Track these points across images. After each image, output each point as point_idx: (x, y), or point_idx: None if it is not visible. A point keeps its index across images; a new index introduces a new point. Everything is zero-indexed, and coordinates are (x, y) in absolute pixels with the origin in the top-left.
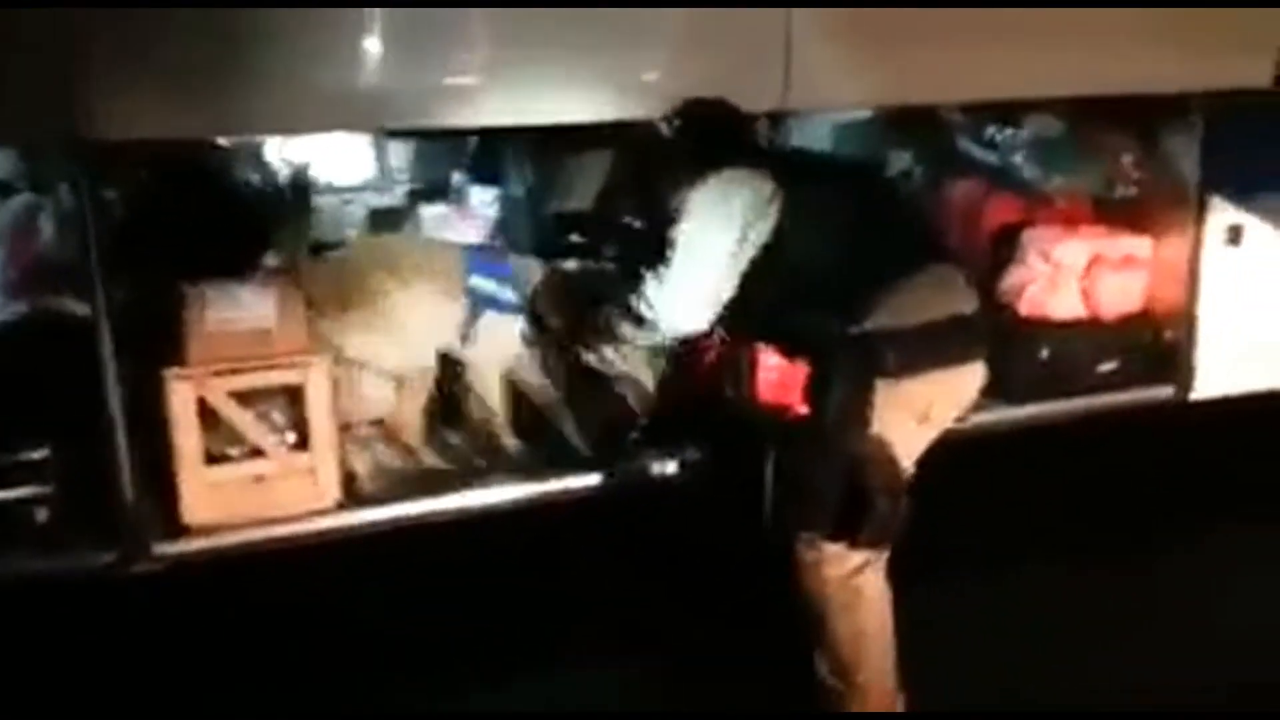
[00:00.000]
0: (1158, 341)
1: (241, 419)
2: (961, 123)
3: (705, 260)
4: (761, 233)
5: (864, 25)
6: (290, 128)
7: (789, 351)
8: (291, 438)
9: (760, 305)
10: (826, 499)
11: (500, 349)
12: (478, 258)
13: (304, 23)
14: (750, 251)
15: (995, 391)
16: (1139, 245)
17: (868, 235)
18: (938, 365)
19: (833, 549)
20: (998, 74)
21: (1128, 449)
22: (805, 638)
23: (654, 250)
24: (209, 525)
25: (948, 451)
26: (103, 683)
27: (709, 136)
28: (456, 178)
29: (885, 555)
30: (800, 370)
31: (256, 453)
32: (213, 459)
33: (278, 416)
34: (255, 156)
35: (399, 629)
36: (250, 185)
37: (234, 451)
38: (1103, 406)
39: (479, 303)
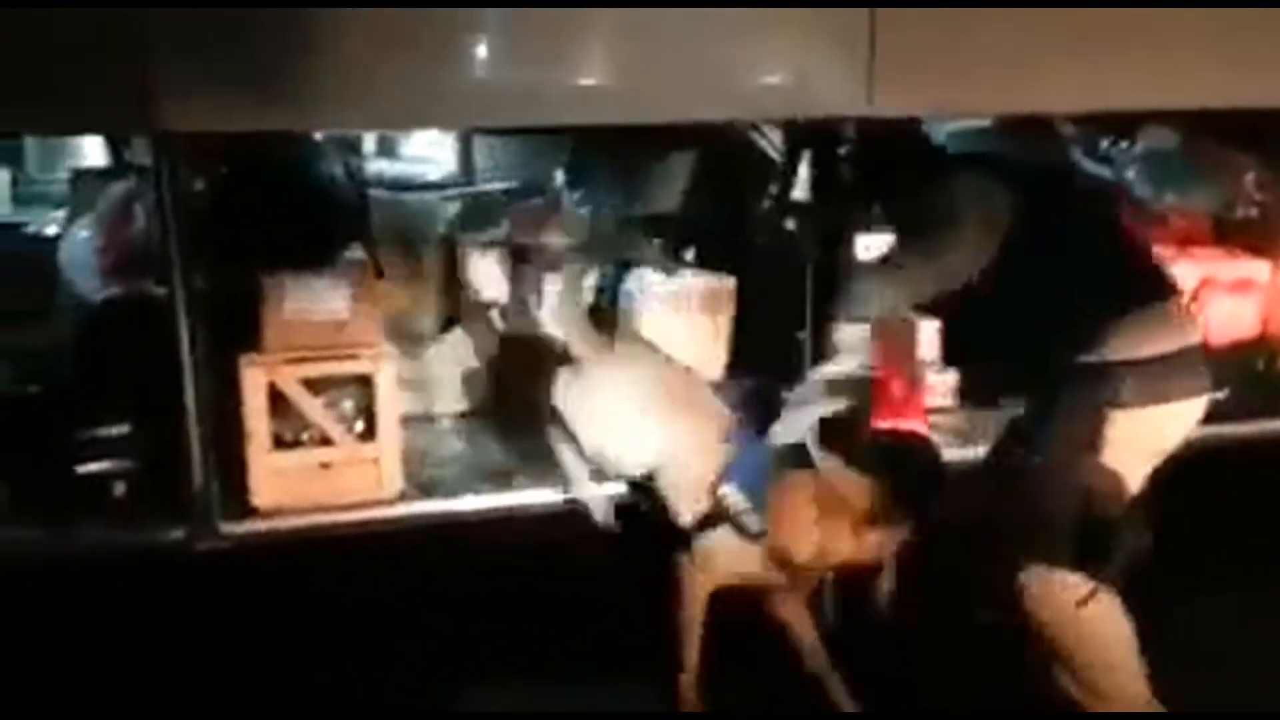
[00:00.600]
0: (1271, 370)
1: (311, 406)
2: (1074, 135)
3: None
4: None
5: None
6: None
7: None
8: (359, 427)
9: (987, 332)
10: (1061, 530)
11: None
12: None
13: (393, 18)
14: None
15: None
16: (1257, 269)
17: (1099, 261)
18: (1170, 399)
19: (1064, 579)
20: (1105, 83)
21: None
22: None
23: None
24: (275, 508)
25: None
26: (158, 655)
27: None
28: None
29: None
30: None
31: (324, 440)
32: (281, 444)
33: (347, 406)
34: (340, 149)
35: (452, 622)
36: (333, 179)
37: (303, 438)
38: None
39: None
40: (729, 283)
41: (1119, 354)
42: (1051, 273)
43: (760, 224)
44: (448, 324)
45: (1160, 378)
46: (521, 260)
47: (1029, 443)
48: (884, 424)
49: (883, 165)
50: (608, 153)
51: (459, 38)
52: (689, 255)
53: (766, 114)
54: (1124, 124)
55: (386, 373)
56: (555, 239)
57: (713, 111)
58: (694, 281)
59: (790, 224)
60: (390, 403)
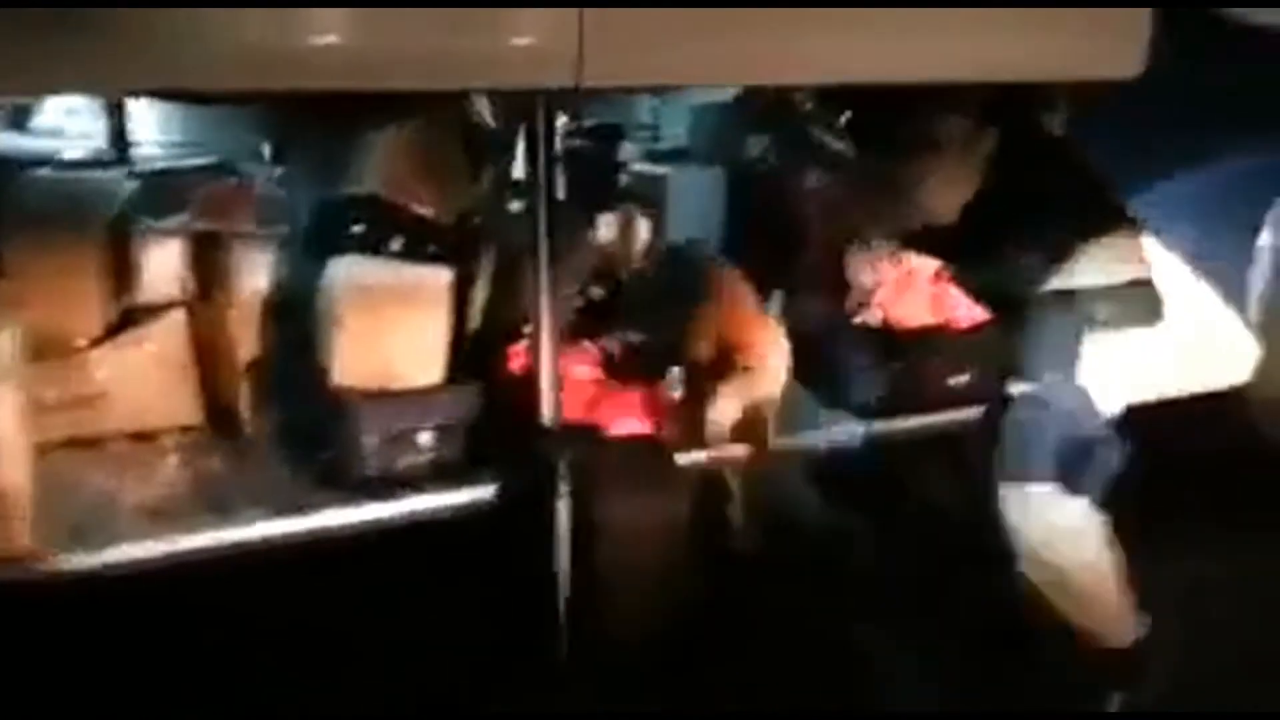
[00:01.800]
0: None
1: None
2: (814, 110)
3: None
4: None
5: None
6: None
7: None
8: None
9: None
10: (1043, 447)
11: None
12: None
13: None
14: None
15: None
16: None
17: (1068, 191)
18: (1139, 322)
19: (1044, 490)
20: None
21: None
22: None
23: None
24: None
25: None
26: None
27: None
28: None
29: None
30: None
31: None
32: None
33: None
34: None
35: None
36: None
37: None
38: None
39: None
40: (444, 275)
41: (1091, 279)
42: (1027, 204)
43: (481, 205)
44: (117, 327)
45: (1129, 301)
46: (209, 249)
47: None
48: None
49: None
50: (310, 126)
51: None
52: (395, 244)
53: (471, 84)
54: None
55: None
56: (249, 225)
57: (412, 80)
58: (401, 273)
59: (516, 205)
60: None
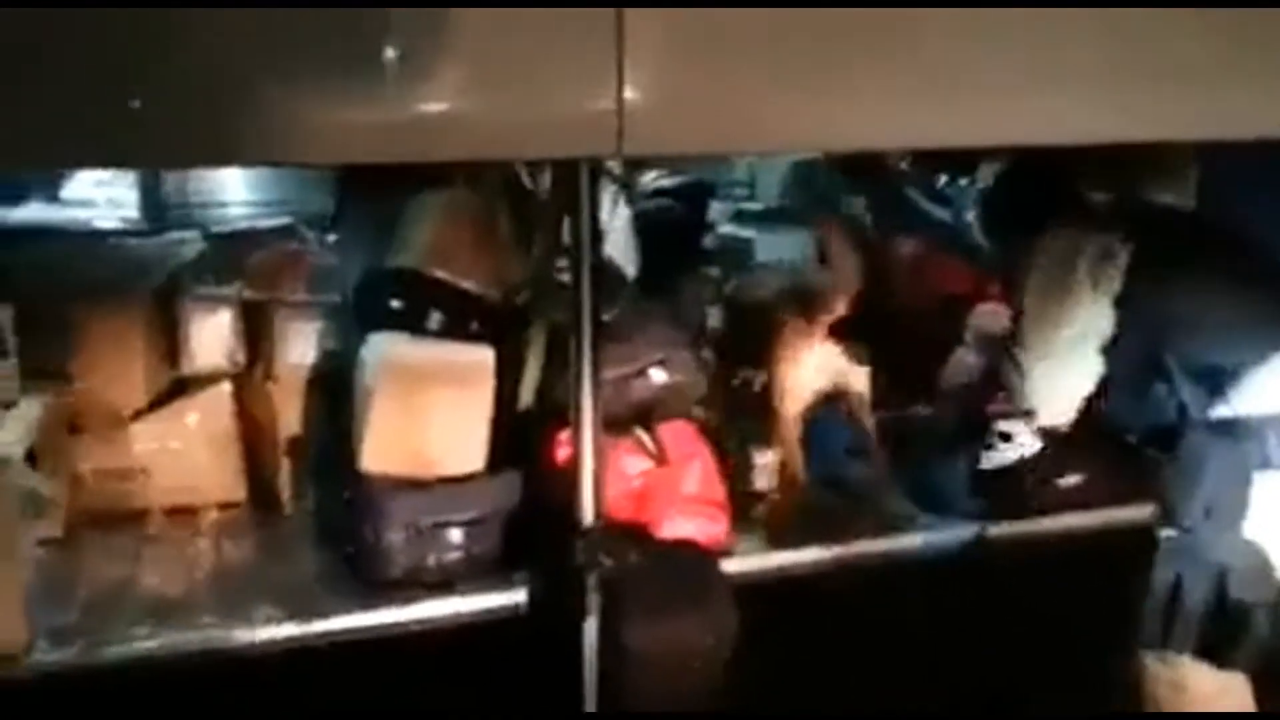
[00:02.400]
0: None
1: None
2: (908, 169)
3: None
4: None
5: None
6: None
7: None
8: None
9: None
10: (1193, 613)
11: None
12: None
13: None
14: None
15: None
16: None
17: (1233, 299)
18: None
19: (1196, 669)
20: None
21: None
22: None
23: None
24: None
25: None
26: None
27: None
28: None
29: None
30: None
31: None
32: None
33: None
34: None
35: None
36: None
37: None
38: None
39: None
40: (485, 354)
41: (1264, 406)
42: (1175, 316)
43: (530, 279)
44: (162, 399)
45: None
46: (257, 318)
47: (1159, 513)
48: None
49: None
50: (361, 191)
51: None
52: (434, 320)
53: (513, 155)
54: (962, 160)
55: None
56: (300, 294)
57: (440, 153)
58: (442, 351)
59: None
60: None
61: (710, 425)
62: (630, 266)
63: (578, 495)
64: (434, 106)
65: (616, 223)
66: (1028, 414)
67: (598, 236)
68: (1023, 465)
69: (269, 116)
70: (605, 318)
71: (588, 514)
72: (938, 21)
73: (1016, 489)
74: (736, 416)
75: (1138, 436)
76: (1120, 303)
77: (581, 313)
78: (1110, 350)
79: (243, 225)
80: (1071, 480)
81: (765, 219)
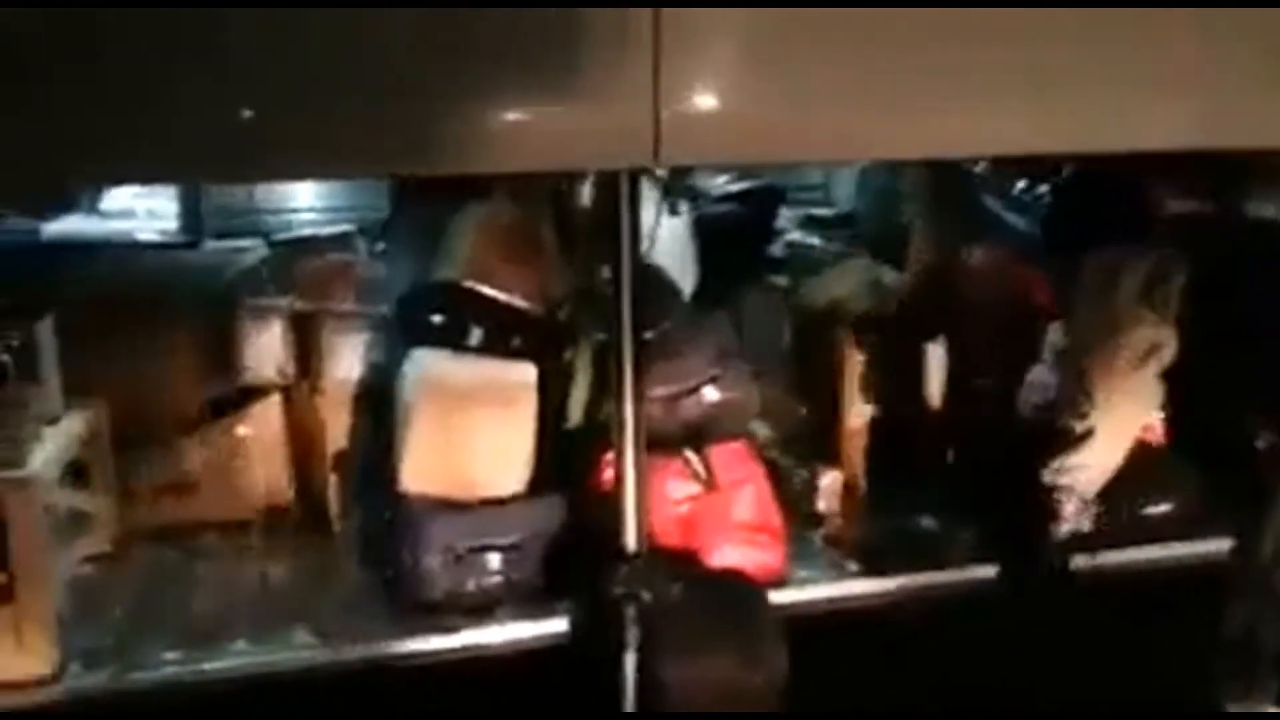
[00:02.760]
0: None
1: None
2: (984, 175)
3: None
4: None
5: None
6: None
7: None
8: None
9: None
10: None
11: None
12: None
13: None
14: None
15: None
16: None
17: None
18: None
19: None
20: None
21: None
22: None
23: None
24: None
25: None
26: None
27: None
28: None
29: None
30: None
31: None
32: None
33: None
34: None
35: None
36: None
37: None
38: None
39: None
40: (528, 371)
41: None
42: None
43: (576, 293)
44: (213, 411)
45: None
46: (307, 329)
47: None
48: None
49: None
50: (410, 202)
51: None
52: (474, 336)
53: (548, 166)
54: (1041, 166)
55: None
56: (348, 305)
57: (475, 165)
58: (483, 368)
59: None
60: (28, 538)
61: (768, 442)
62: (687, 277)
63: (621, 521)
64: (470, 119)
65: (670, 231)
66: (1086, 436)
67: (640, 247)
68: (1093, 496)
69: (321, 125)
70: (649, 334)
71: (630, 541)
72: (973, 26)
73: (1091, 518)
74: (798, 433)
75: (1211, 464)
76: (1191, 322)
77: (623, 328)
78: (1180, 372)
79: (304, 232)
80: (1155, 510)
81: (836, 225)
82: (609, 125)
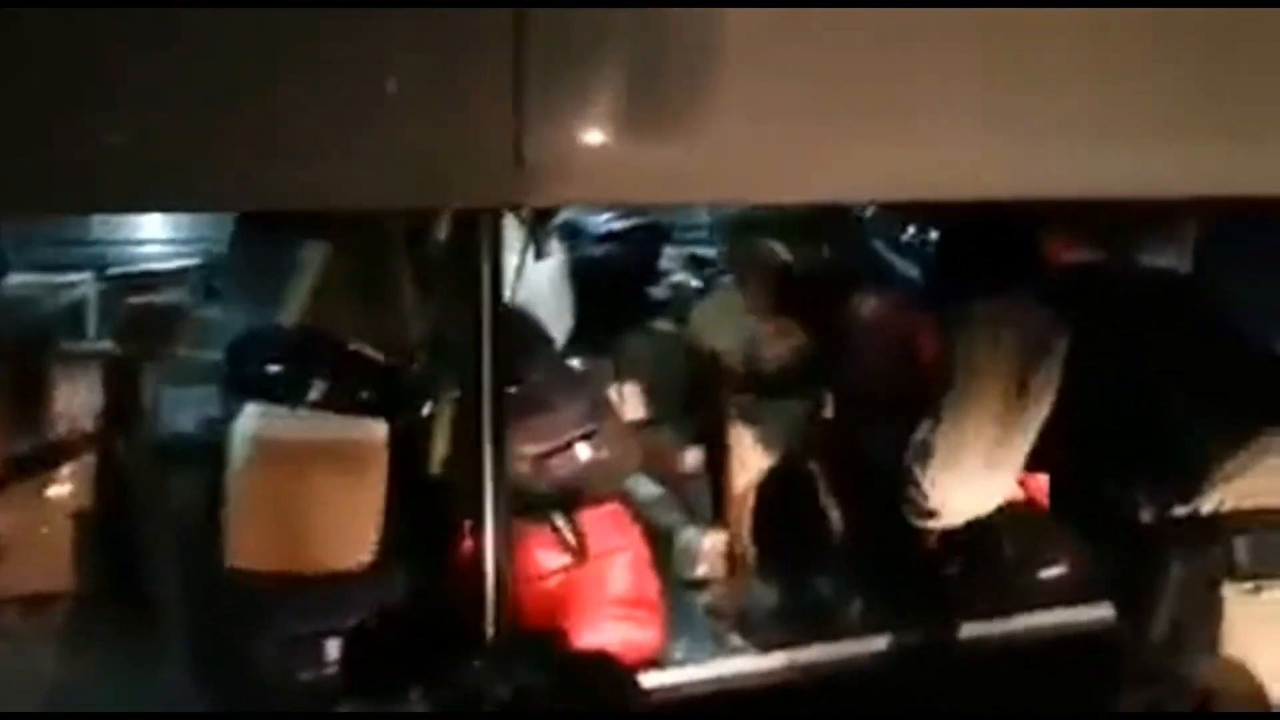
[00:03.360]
0: None
1: None
2: (873, 220)
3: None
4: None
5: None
6: None
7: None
8: None
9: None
10: None
11: None
12: None
13: None
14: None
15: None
16: None
17: (1197, 379)
18: None
19: None
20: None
21: None
22: None
23: None
24: None
25: None
26: None
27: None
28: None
29: None
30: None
31: None
32: None
33: None
34: None
35: None
36: None
37: None
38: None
39: None
40: (377, 428)
41: (1235, 501)
42: (1129, 394)
43: (436, 340)
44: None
45: None
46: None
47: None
48: None
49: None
50: (250, 236)
51: None
52: (316, 390)
53: (410, 204)
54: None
55: None
56: (178, 351)
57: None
58: (325, 426)
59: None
60: None
61: (650, 500)
62: (562, 322)
63: (479, 600)
64: (319, 152)
65: (543, 273)
66: (930, 515)
67: (503, 292)
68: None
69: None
70: (514, 388)
71: (489, 624)
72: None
73: (979, 585)
74: (681, 490)
75: (1094, 534)
76: (1076, 374)
77: (483, 381)
78: (1062, 434)
79: (133, 268)
80: (1049, 574)
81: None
82: (463, 160)
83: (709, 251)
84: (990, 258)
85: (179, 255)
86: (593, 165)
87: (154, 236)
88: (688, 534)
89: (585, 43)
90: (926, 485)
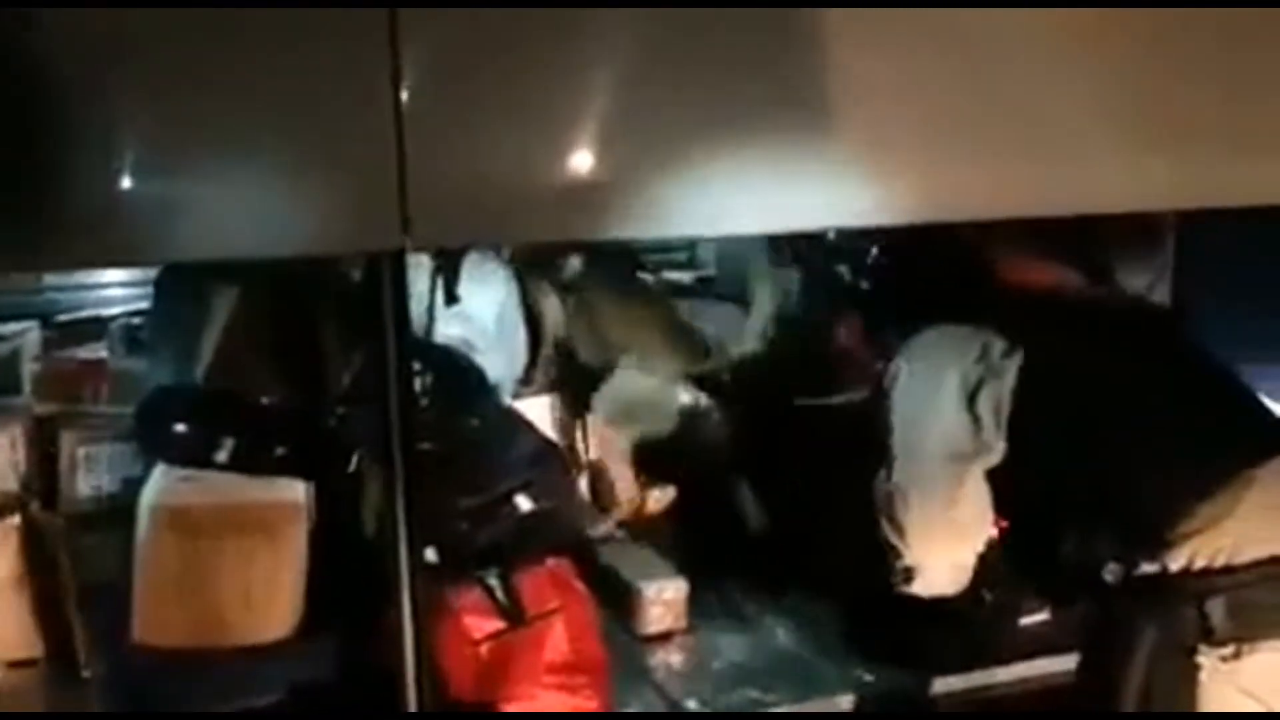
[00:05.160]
0: None
1: None
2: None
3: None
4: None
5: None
6: None
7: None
8: None
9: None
10: None
11: None
12: None
13: None
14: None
15: None
16: None
17: (1162, 416)
18: None
19: None
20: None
21: None
22: None
23: None
24: None
25: None
26: None
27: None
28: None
29: None
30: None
31: None
32: None
33: None
34: None
35: None
36: None
37: None
38: None
39: None
40: (293, 489)
41: (1208, 558)
42: (1087, 442)
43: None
44: None
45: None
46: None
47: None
48: None
49: None
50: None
51: None
52: (223, 451)
53: (296, 252)
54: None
55: None
56: (99, 407)
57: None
58: (237, 488)
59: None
60: None
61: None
62: (512, 364)
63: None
64: (195, 200)
65: (485, 313)
66: (907, 574)
67: (407, 336)
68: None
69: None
70: (424, 446)
71: (410, 701)
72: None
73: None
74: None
75: (1056, 592)
76: (1031, 409)
77: (391, 435)
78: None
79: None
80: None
81: (698, 294)
82: (344, 201)
83: (684, 277)
84: (936, 284)
85: (100, 304)
86: (480, 204)
87: (83, 283)
88: (648, 585)
89: (466, 78)
90: (897, 539)
